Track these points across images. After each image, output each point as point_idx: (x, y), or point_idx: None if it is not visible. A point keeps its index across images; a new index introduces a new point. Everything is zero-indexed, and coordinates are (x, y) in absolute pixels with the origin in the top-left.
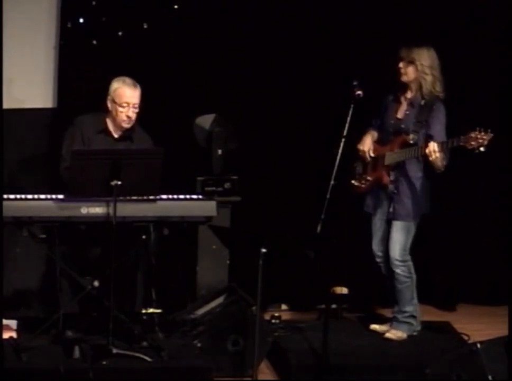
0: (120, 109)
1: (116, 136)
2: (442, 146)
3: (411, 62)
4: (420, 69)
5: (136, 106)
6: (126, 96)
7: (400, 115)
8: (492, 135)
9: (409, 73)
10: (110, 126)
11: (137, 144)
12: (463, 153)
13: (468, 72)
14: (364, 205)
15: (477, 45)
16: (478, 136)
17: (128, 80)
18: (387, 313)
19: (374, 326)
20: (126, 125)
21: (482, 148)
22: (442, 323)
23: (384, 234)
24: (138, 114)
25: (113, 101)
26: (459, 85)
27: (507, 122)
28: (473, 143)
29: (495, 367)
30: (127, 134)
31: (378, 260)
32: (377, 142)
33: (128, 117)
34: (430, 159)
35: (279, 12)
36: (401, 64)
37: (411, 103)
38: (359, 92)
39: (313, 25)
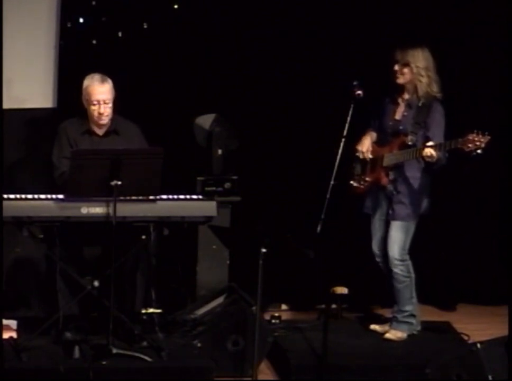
0: (92, 107)
1: (100, 133)
2: (440, 148)
3: (406, 64)
4: (416, 71)
5: (108, 101)
6: (95, 94)
7: (398, 116)
8: (489, 137)
9: (404, 75)
10: (92, 125)
11: (123, 137)
12: (461, 155)
13: (467, 73)
14: (364, 206)
15: (476, 45)
16: (476, 139)
17: (96, 76)
18: (387, 313)
19: (374, 326)
20: (101, 122)
21: (479, 151)
22: (442, 323)
23: (383, 234)
24: (115, 106)
25: (86, 100)
26: (457, 86)
27: (506, 122)
28: (470, 145)
29: (495, 367)
30: (111, 129)
31: (378, 259)
32: (376, 143)
33: (100, 113)
34: (427, 160)
35: (279, 13)
36: (396, 67)
37: (408, 105)
38: (359, 92)
39: (313, 25)
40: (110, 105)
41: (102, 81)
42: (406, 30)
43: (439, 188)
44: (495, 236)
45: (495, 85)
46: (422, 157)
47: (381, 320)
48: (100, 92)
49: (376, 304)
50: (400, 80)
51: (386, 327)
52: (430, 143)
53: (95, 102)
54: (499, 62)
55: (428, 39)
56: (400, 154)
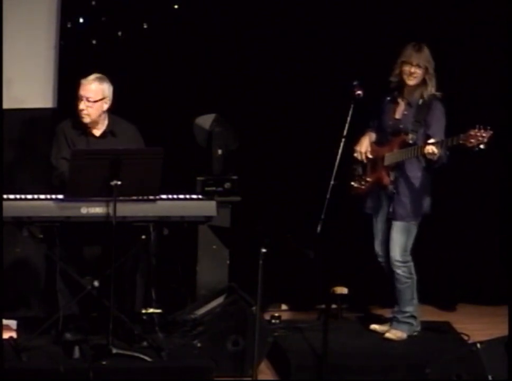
0: (78, 102)
1: (97, 134)
2: (441, 145)
3: (420, 66)
4: (430, 72)
5: (90, 99)
6: (80, 89)
7: (398, 115)
8: (491, 132)
9: (418, 77)
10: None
11: (119, 138)
12: (463, 152)
13: (467, 73)
14: (365, 206)
15: (476, 45)
16: (478, 134)
17: (95, 75)
18: (387, 313)
19: (374, 326)
20: (83, 120)
21: (481, 146)
22: (442, 323)
23: (385, 235)
24: (110, 110)
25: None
26: (457, 86)
27: (507, 122)
28: (472, 140)
29: (495, 367)
30: (107, 130)
31: (380, 260)
32: (376, 143)
33: (80, 109)
34: (429, 158)
35: (279, 12)
36: (412, 69)
37: (408, 103)
38: (359, 92)
39: (313, 25)
40: (92, 104)
41: (94, 79)
42: (406, 30)
43: (440, 187)
44: (495, 236)
45: (495, 85)
46: (424, 155)
47: (381, 320)
48: (85, 89)
49: (376, 304)
50: (412, 82)
51: (386, 327)
52: (431, 140)
53: (79, 97)
54: (499, 62)
55: (428, 39)
56: (401, 153)
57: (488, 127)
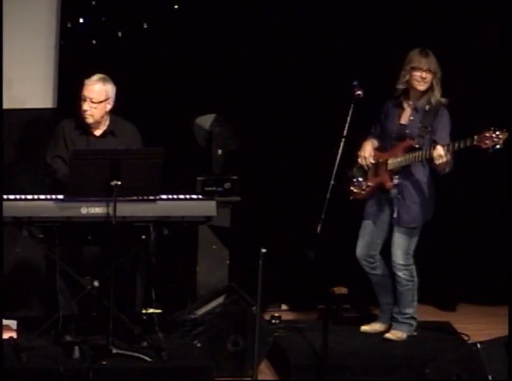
0: (81, 103)
1: (97, 134)
2: (453, 148)
3: (430, 70)
4: (438, 76)
5: (94, 101)
6: (84, 89)
7: (403, 120)
8: (507, 134)
9: (429, 81)
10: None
11: (119, 138)
12: (463, 154)
13: (466, 74)
14: (364, 212)
15: (476, 45)
16: (493, 135)
17: (98, 75)
18: None
19: (364, 328)
20: (87, 121)
21: (498, 146)
22: (442, 323)
23: (372, 240)
24: (112, 110)
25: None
26: (461, 88)
27: (507, 124)
28: (487, 142)
29: (495, 367)
30: (108, 130)
31: (363, 262)
32: (377, 149)
33: (84, 110)
34: (437, 162)
35: (279, 12)
36: (423, 74)
37: (415, 109)
38: (359, 92)
39: (313, 24)
40: (96, 105)
41: (97, 80)
42: (406, 30)
43: (440, 188)
44: (495, 236)
45: (495, 87)
46: (431, 159)
47: (369, 320)
48: (89, 89)
49: (376, 304)
50: (423, 87)
51: (377, 325)
52: (442, 143)
53: (82, 97)
54: (498, 63)
55: (428, 39)
56: (405, 157)
57: (505, 129)
